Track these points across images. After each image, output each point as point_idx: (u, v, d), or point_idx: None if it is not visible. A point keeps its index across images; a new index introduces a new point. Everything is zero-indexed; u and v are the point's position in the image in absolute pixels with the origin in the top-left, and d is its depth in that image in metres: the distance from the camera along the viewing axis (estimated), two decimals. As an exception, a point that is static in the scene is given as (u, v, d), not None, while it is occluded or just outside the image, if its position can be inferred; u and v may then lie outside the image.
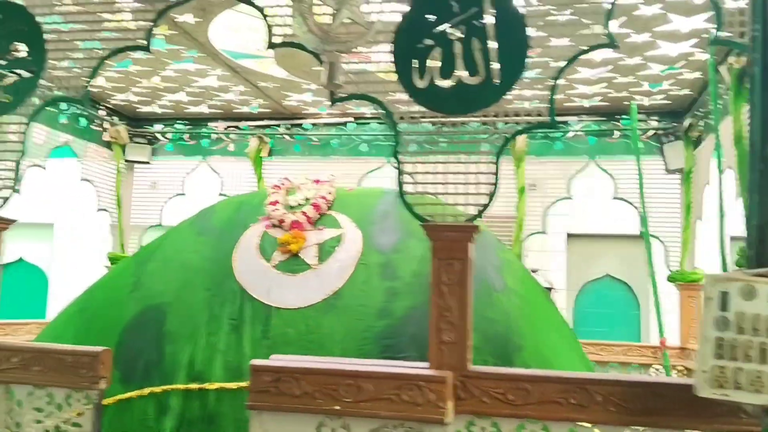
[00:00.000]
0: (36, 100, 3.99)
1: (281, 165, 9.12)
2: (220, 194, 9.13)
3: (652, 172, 8.14)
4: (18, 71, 3.96)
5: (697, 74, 7.25)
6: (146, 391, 4.82)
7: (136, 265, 5.58)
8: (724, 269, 4.57)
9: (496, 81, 3.45)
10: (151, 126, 9.42)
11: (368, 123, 8.91)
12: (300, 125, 9.07)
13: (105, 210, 8.68)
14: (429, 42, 3.53)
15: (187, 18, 6.15)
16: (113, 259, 8.73)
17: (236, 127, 9.06)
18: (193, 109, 9.01)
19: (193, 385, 4.79)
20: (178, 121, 9.38)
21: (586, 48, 3.50)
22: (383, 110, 3.69)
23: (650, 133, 8.20)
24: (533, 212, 8.37)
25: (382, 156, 8.88)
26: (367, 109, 8.71)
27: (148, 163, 9.48)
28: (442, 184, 3.62)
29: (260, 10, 3.83)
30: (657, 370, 7.78)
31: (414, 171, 3.63)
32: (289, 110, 8.80)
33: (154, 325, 5.04)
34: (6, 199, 3.95)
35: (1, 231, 3.95)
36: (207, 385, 4.80)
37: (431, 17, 3.54)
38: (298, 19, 3.65)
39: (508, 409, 3.09)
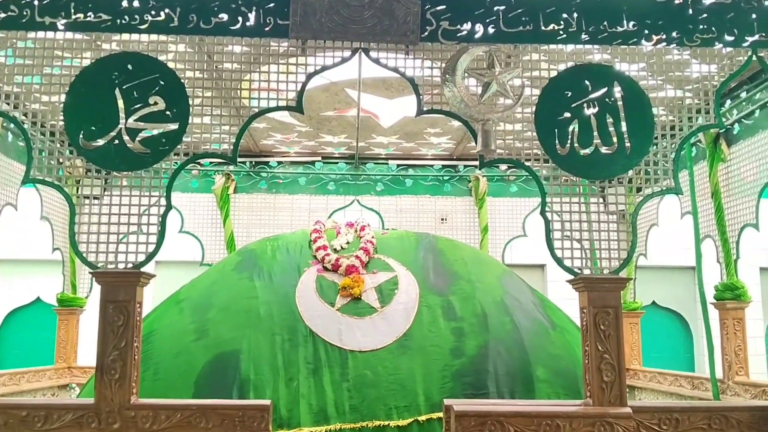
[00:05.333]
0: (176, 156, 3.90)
1: (247, 201, 9.02)
2: (181, 231, 8.83)
3: (593, 210, 9.06)
4: (156, 125, 3.85)
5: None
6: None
7: (192, 312, 5.42)
8: (703, 299, 5.36)
9: (628, 151, 3.92)
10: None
11: (336, 162, 9.11)
12: (267, 163, 9.07)
13: (59, 249, 8.03)
14: (567, 115, 3.95)
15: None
16: (63, 301, 8.08)
17: (198, 163, 8.83)
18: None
19: (283, 432, 4.81)
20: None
21: (696, 128, 4.12)
22: (530, 174, 4.04)
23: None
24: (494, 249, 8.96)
25: (349, 194, 9.11)
26: (335, 149, 8.92)
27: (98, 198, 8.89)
28: (586, 240, 3.99)
29: (410, 80, 4.05)
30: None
31: (562, 229, 3.98)
32: (260, 148, 8.77)
33: (231, 373, 4.97)
34: (150, 255, 3.82)
35: (143, 286, 3.79)
36: (297, 431, 4.81)
37: (568, 93, 3.97)
38: (451, 90, 3.90)
39: (663, 437, 3.56)
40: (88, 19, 3.85)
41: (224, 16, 3.87)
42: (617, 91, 3.94)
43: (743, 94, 6.07)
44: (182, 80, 3.85)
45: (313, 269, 5.71)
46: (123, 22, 3.85)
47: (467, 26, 3.92)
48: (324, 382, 5.00)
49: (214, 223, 9.00)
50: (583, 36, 3.95)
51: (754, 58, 4.00)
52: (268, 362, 5.05)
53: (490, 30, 3.92)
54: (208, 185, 8.96)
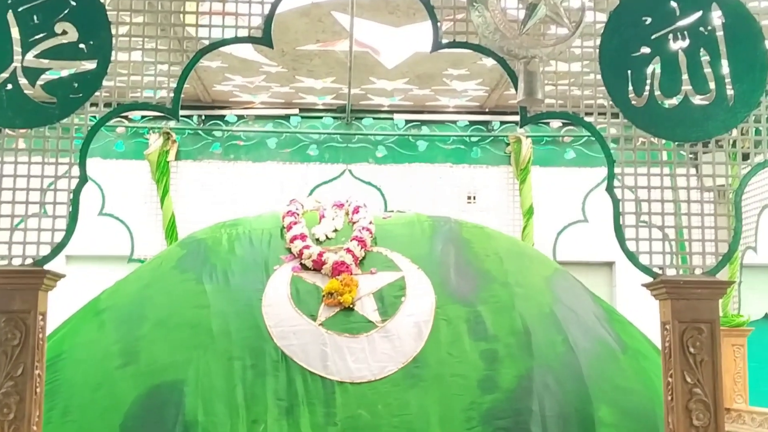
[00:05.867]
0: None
1: (194, 172, 9.10)
2: (102, 214, 8.85)
3: (680, 186, 9.00)
4: (66, 64, 3.85)
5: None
6: None
7: (117, 327, 5.44)
8: None
9: (730, 102, 3.91)
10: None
11: (320, 117, 9.13)
12: (222, 117, 9.10)
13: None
14: (646, 50, 3.94)
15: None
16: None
17: (126, 117, 8.81)
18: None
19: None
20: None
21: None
22: (593, 135, 4.05)
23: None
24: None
25: (337, 162, 9.14)
26: (318, 98, 8.90)
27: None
28: (671, 228, 4.00)
29: (425, 2, 4.04)
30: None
31: (637, 211, 3.98)
32: (212, 97, 8.76)
33: (171, 413, 4.98)
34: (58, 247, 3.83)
35: (47, 291, 3.81)
36: (263, 493, 4.86)
37: (646, 19, 3.95)
38: (481, 14, 3.86)
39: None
40: None
41: None
42: (717, 16, 3.93)
43: None
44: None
45: (287, 268, 5.72)
46: None
47: None
48: (302, 425, 5.01)
49: (147, 202, 9.08)
50: (670, -67, 3.95)
51: None
52: (224, 398, 5.06)
53: (538, -74, 3.91)
54: (139, 149, 9.00)
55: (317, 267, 5.69)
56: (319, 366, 5.23)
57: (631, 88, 3.89)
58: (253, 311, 5.45)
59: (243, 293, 5.58)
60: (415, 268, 5.78)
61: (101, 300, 5.83)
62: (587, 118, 4.04)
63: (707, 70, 3.89)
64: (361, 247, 5.83)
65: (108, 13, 3.85)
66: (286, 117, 9.16)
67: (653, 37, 3.91)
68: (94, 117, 3.90)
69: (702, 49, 3.91)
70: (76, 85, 3.80)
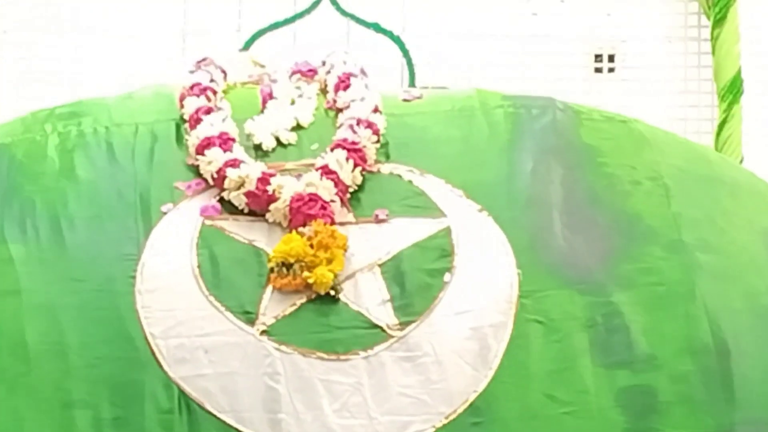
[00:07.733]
0: None
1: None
2: None
3: None
4: None
5: None
6: None
7: None
8: None
9: None
10: None
11: None
12: None
13: None
14: None
15: None
16: None
17: None
18: None
19: None
20: None
21: None
22: None
23: None
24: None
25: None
26: None
27: None
28: None
29: None
30: None
31: None
32: None
33: None
34: None
35: None
36: None
37: None
38: None
39: None
40: None
41: None
42: None
43: None
44: None
45: (190, 208, 5.44)
46: None
47: None
48: None
49: None
50: None
51: None
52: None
53: None
54: None
55: (257, 206, 5.38)
56: (261, 421, 4.95)
57: None
58: (116, 303, 5.16)
59: (95, 265, 5.29)
60: (474, 209, 5.46)
61: None
62: None
63: None
64: (354, 161, 5.47)
65: None
66: None
67: None
68: None
69: None
70: None
